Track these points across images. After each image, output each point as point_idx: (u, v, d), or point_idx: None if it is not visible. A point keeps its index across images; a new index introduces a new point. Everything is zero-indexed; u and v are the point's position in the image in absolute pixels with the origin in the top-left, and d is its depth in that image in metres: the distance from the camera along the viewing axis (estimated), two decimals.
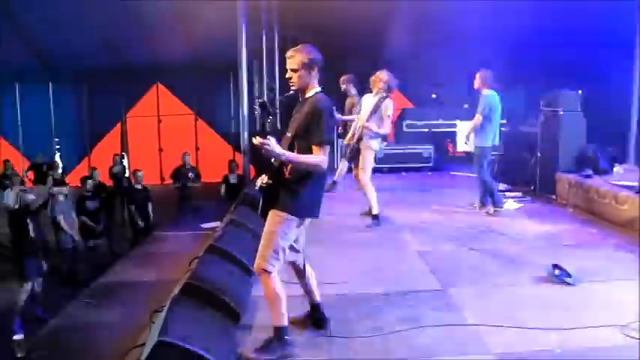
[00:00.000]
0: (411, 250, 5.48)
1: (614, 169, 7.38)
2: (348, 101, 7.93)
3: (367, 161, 6.43)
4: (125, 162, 13.65)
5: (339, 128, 7.86)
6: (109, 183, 11.39)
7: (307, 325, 3.61)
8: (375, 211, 6.37)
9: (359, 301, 4.13)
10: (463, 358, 3.27)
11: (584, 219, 6.71)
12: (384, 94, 6.38)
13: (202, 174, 11.56)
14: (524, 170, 8.57)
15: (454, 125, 10.84)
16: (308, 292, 3.61)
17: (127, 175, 12.05)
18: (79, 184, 9.82)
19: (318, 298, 3.63)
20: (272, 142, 3.04)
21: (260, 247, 3.28)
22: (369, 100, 6.51)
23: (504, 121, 8.92)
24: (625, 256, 5.16)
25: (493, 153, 7.37)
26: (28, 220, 7.17)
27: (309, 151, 3.21)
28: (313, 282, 3.60)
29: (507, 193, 7.93)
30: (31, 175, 12.50)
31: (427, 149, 10.75)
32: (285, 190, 3.24)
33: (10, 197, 7.29)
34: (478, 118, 6.62)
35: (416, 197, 8.20)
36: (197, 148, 14.48)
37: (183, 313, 3.31)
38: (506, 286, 4.44)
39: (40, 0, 11.35)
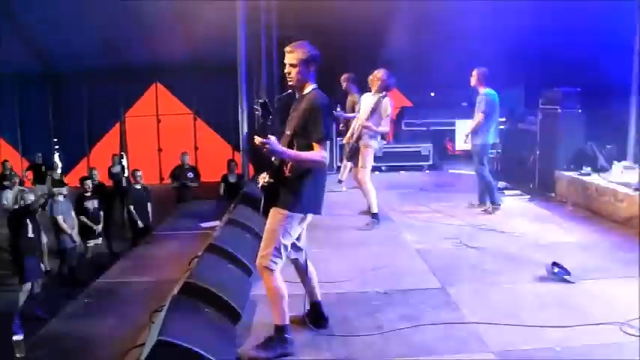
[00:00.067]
0: (411, 249, 5.48)
1: (613, 167, 7.38)
2: (349, 99, 7.94)
3: (367, 160, 6.43)
4: (124, 162, 13.66)
5: (342, 126, 7.87)
6: (109, 183, 11.39)
7: (307, 324, 3.61)
8: (374, 210, 6.37)
9: (358, 300, 4.14)
10: (463, 357, 3.27)
11: (583, 216, 6.72)
12: (383, 93, 6.39)
13: (201, 173, 11.57)
14: (524, 168, 8.58)
15: (453, 124, 10.88)
16: (309, 290, 3.61)
17: (126, 175, 12.05)
18: (78, 184, 9.81)
19: (318, 296, 3.63)
20: (273, 141, 3.04)
21: (262, 245, 3.29)
22: (367, 100, 6.52)
23: (503, 119, 8.93)
24: (624, 253, 5.16)
25: (491, 151, 7.38)
26: (27, 221, 7.17)
27: (308, 149, 3.22)
28: (315, 280, 3.61)
29: (506, 191, 7.95)
30: (30, 175, 12.52)
31: (426, 147, 10.76)
32: (285, 188, 3.24)
33: (9, 197, 7.29)
34: (480, 116, 6.63)
35: (415, 196, 8.20)
36: (196, 148, 14.48)
37: (182, 312, 3.31)
38: (506, 284, 4.45)
39: (39, 0, 11.35)
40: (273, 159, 3.24)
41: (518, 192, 7.99)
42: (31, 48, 12.93)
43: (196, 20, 10.86)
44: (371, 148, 6.43)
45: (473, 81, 6.82)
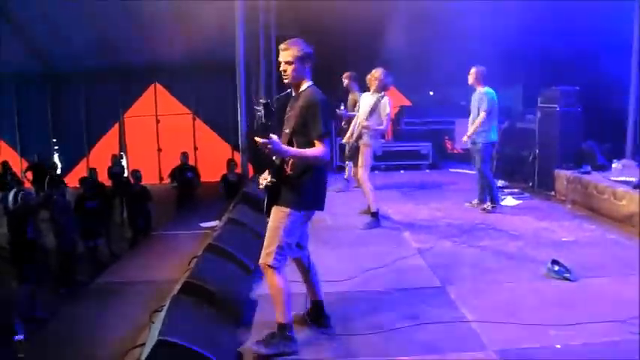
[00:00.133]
0: (411, 248, 5.49)
1: (613, 165, 7.40)
2: (350, 98, 7.95)
3: (366, 159, 6.44)
4: (124, 162, 13.66)
5: (344, 123, 7.87)
6: (108, 183, 11.39)
7: (308, 323, 3.61)
8: (373, 209, 6.37)
9: (359, 299, 4.14)
10: (463, 355, 3.27)
11: (582, 215, 6.72)
12: (381, 93, 6.40)
13: (201, 173, 11.57)
14: (523, 167, 8.58)
15: (452, 123, 10.88)
16: (311, 288, 3.61)
17: (125, 175, 12.05)
18: (78, 185, 9.80)
19: (321, 295, 3.63)
20: (275, 140, 3.05)
21: (264, 243, 3.29)
22: (366, 99, 6.53)
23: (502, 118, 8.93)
24: (624, 251, 5.17)
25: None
26: (27, 221, 7.16)
27: (309, 146, 3.22)
28: (317, 279, 3.61)
29: (506, 190, 7.95)
30: (29, 175, 12.51)
31: (425, 146, 10.77)
32: (287, 187, 3.25)
33: (9, 198, 7.28)
34: (483, 115, 6.63)
35: (414, 195, 8.20)
36: (195, 148, 14.47)
37: (182, 312, 3.31)
38: (506, 282, 4.45)
39: (38, 0, 11.35)
40: (274, 158, 3.24)
41: (517, 191, 7.99)
42: (30, 48, 12.92)
43: (195, 20, 10.86)
44: (371, 147, 6.44)
45: (470, 79, 6.83)
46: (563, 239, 5.68)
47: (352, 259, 5.13)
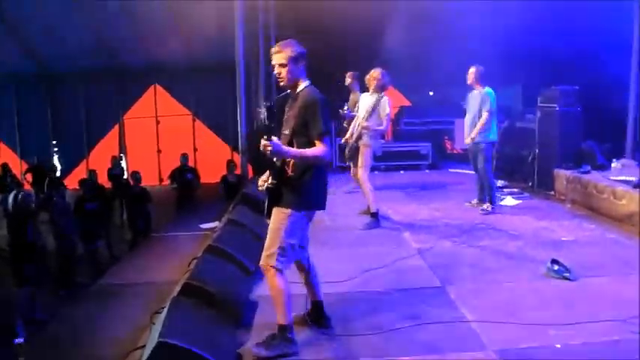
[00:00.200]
0: (410, 248, 5.48)
1: (612, 165, 7.40)
2: (351, 98, 7.94)
3: (366, 160, 6.44)
4: (123, 163, 13.66)
5: (345, 123, 7.87)
6: (108, 185, 11.39)
7: (308, 323, 3.61)
8: (373, 210, 6.37)
9: (359, 300, 4.13)
10: (463, 355, 3.27)
11: (582, 214, 6.72)
12: (380, 93, 6.40)
13: (201, 174, 11.57)
14: (523, 167, 8.58)
15: (452, 123, 10.87)
16: (311, 289, 3.60)
17: (125, 176, 12.05)
18: (78, 187, 9.81)
19: (321, 296, 3.63)
20: (276, 142, 3.05)
21: (265, 245, 3.28)
22: (366, 100, 6.53)
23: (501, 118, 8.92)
24: (623, 250, 5.17)
25: None
26: (27, 223, 7.16)
27: (309, 146, 3.21)
28: (317, 280, 3.60)
29: (505, 190, 7.95)
30: (29, 177, 12.52)
31: (425, 147, 10.77)
32: (288, 188, 3.24)
33: (9, 200, 7.27)
34: (486, 115, 6.63)
35: (414, 195, 8.21)
36: (195, 149, 14.48)
37: (183, 314, 3.31)
38: (505, 282, 4.45)
39: (37, 1, 11.35)
40: (275, 160, 3.24)
41: (517, 190, 7.99)
42: (27, 49, 12.92)
43: (194, 21, 10.87)
44: (370, 147, 6.44)
45: (469, 79, 6.83)
46: (563, 239, 5.68)
47: (352, 259, 5.13)
